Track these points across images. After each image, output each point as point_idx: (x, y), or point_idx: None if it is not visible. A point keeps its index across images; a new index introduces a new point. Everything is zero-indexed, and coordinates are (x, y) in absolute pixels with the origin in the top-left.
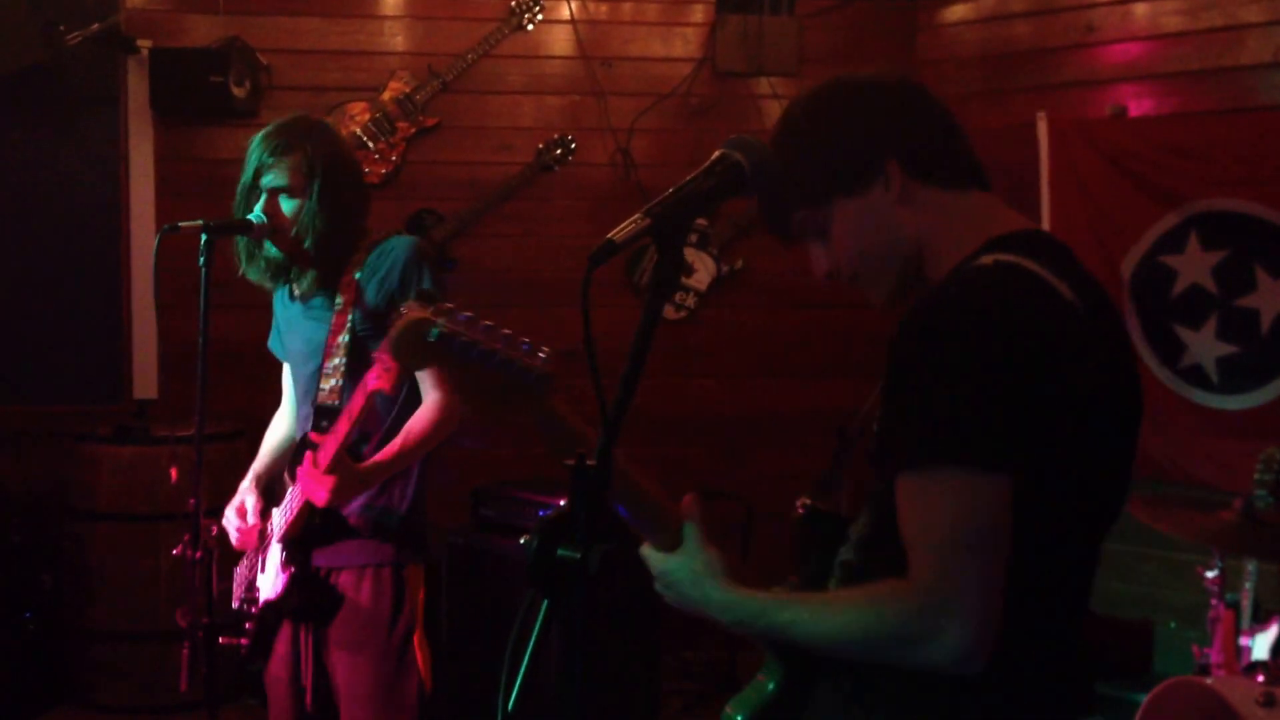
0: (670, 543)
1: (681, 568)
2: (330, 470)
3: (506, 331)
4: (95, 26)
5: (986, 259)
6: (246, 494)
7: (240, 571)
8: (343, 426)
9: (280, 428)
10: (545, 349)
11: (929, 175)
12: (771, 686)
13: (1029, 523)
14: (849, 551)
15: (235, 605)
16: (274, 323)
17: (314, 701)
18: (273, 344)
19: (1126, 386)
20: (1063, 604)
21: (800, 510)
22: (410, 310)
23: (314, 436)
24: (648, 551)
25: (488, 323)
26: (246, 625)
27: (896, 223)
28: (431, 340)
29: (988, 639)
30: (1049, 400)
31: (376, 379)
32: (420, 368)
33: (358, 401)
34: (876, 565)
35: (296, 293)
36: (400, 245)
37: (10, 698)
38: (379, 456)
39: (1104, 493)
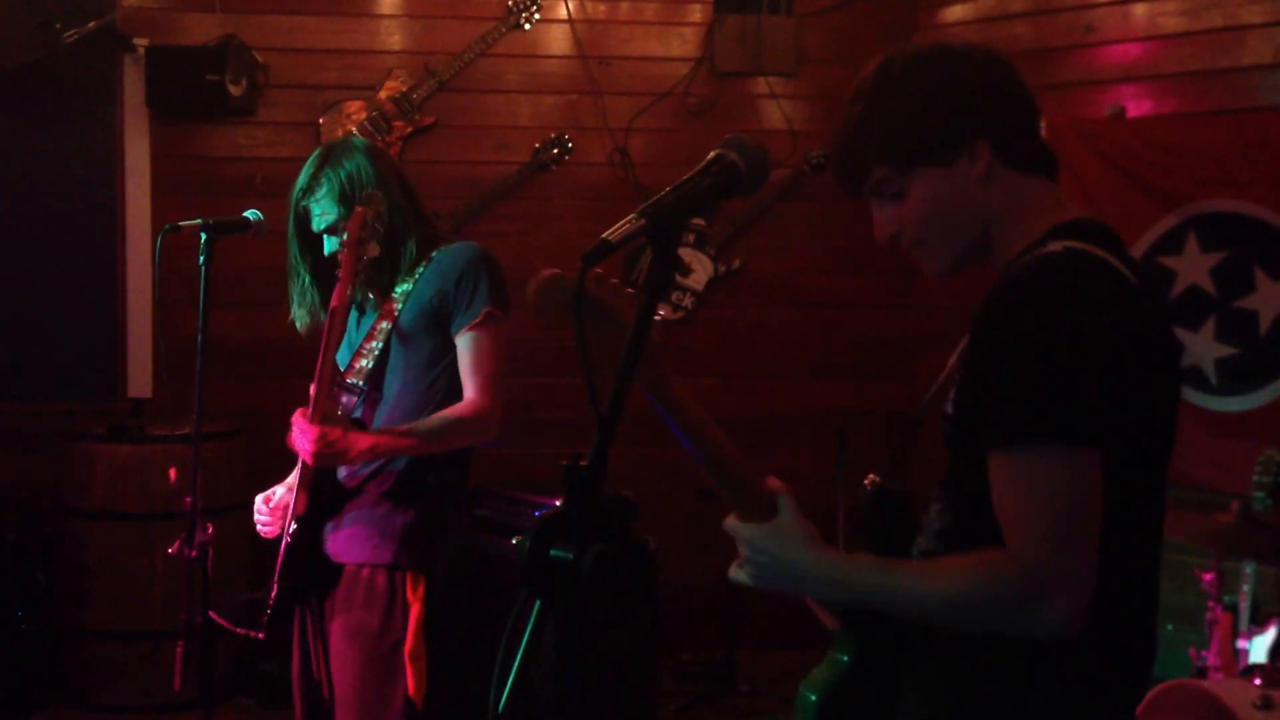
0: (754, 516)
1: (776, 535)
2: (316, 419)
3: (630, 291)
4: (92, 25)
5: (1056, 245)
6: (278, 486)
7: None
8: (320, 364)
9: None
10: (663, 311)
11: (1010, 157)
12: (846, 658)
13: (1120, 492)
14: (928, 540)
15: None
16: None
17: (330, 694)
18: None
19: (1175, 359)
20: (1144, 567)
21: (868, 487)
22: (550, 270)
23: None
24: (737, 525)
25: (614, 281)
26: (263, 618)
27: (975, 199)
28: (566, 296)
29: (1085, 607)
30: (1133, 377)
31: (335, 296)
32: (557, 324)
33: (327, 324)
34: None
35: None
36: (466, 248)
37: (4, 697)
38: (391, 431)
39: (1165, 458)
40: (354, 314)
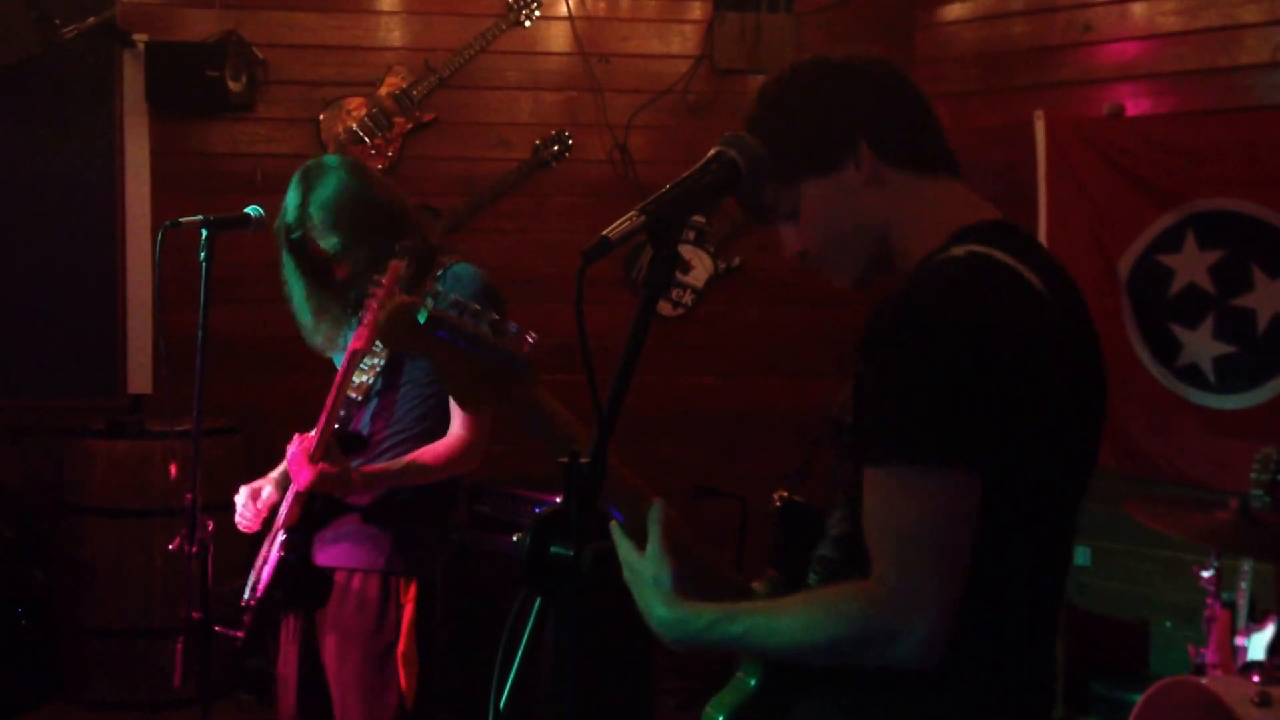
0: (636, 530)
1: (637, 573)
2: (318, 459)
3: (495, 316)
4: (91, 20)
5: (958, 250)
6: (266, 482)
7: (255, 567)
8: (332, 393)
9: None
10: (533, 335)
11: (900, 159)
12: (753, 683)
13: (1001, 515)
14: (827, 547)
15: (244, 601)
16: None
17: (322, 698)
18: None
19: (1093, 372)
20: (1033, 596)
21: (778, 503)
22: (401, 297)
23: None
24: (619, 536)
25: (475, 307)
26: (244, 619)
27: (865, 204)
28: (419, 323)
29: (945, 634)
30: (1020, 394)
31: (356, 339)
32: (408, 350)
33: (343, 366)
34: (857, 561)
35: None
36: (473, 277)
37: (2, 693)
38: (381, 466)
39: (1071, 480)
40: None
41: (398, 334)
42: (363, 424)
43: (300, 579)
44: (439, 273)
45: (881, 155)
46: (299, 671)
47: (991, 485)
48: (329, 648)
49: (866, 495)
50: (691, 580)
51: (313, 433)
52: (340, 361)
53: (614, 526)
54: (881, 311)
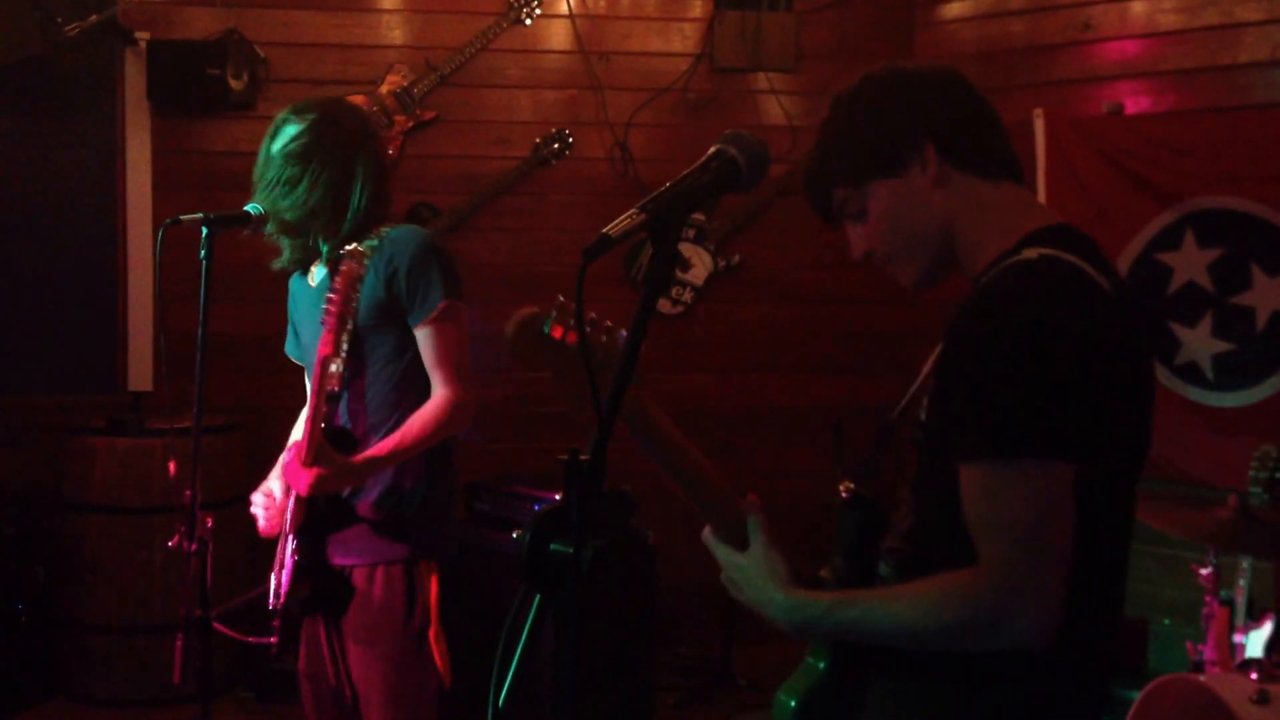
0: (730, 534)
1: (747, 568)
2: (312, 461)
3: (609, 324)
4: (93, 18)
5: (1030, 253)
6: (274, 480)
7: (274, 571)
8: (312, 400)
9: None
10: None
11: (965, 162)
12: (823, 666)
13: (1089, 508)
14: (896, 540)
15: (271, 605)
16: (289, 326)
17: (337, 679)
18: (289, 348)
19: (1149, 363)
20: (1114, 586)
21: (844, 495)
22: (528, 307)
23: (306, 422)
24: (715, 543)
25: (593, 315)
26: (274, 624)
27: (931, 206)
28: (543, 335)
29: (1052, 620)
30: (1102, 389)
31: (323, 345)
32: (537, 364)
33: (315, 374)
34: (931, 554)
35: (311, 284)
36: (410, 237)
37: (3, 690)
38: (373, 450)
39: (1138, 464)
40: (297, 284)
41: (523, 345)
42: (342, 415)
43: (318, 581)
44: (375, 241)
45: (947, 158)
46: (321, 670)
47: (1085, 477)
48: (354, 654)
49: (969, 489)
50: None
51: (301, 438)
52: (310, 364)
53: (706, 534)
54: (969, 312)
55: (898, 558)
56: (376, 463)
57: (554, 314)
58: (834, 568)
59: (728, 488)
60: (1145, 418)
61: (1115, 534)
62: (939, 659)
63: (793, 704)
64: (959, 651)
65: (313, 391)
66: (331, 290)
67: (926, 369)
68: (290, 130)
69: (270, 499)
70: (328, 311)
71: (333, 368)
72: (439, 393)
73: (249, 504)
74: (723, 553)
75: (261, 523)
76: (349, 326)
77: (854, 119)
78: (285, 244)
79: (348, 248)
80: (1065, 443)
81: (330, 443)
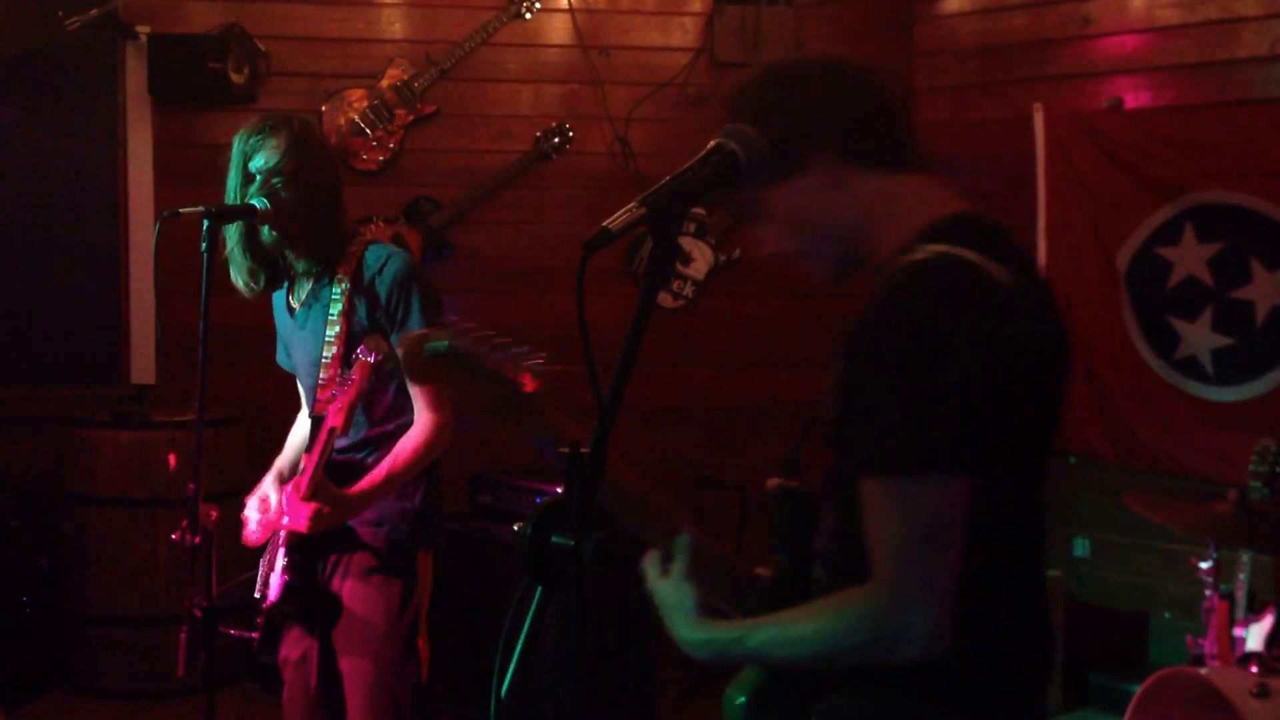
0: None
1: (663, 599)
2: (310, 496)
3: (505, 340)
4: (94, 12)
5: (925, 251)
6: (269, 488)
7: (263, 565)
8: (315, 453)
9: (302, 426)
10: (543, 356)
11: (863, 159)
12: None
13: (986, 505)
14: (824, 539)
15: (256, 594)
16: (279, 337)
17: (323, 685)
18: (280, 359)
19: (1060, 354)
20: (1023, 575)
21: (773, 489)
22: (421, 330)
23: (304, 459)
24: (651, 567)
25: (489, 333)
26: (258, 620)
27: (832, 206)
28: (435, 355)
29: (945, 627)
30: (996, 396)
31: (333, 414)
32: (429, 382)
33: (321, 437)
34: (852, 553)
35: (294, 304)
36: (392, 265)
37: (7, 682)
38: (365, 482)
39: (1042, 462)
40: (280, 302)
41: (416, 366)
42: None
43: (306, 600)
44: (351, 261)
45: (844, 157)
46: (301, 657)
47: (985, 481)
48: (345, 646)
49: (864, 500)
50: (720, 588)
51: (300, 473)
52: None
53: (646, 559)
54: (858, 320)
55: (827, 560)
56: (373, 493)
57: (444, 336)
58: (771, 564)
59: (664, 505)
60: (1048, 411)
61: (1017, 540)
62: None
63: (740, 700)
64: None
65: (316, 451)
66: (348, 379)
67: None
68: (279, 134)
69: (265, 504)
70: (344, 389)
71: (326, 396)
72: (421, 417)
73: (245, 501)
74: (652, 576)
75: (252, 530)
76: (359, 408)
77: (745, 122)
78: (242, 268)
79: (339, 280)
80: (956, 458)
81: (331, 478)
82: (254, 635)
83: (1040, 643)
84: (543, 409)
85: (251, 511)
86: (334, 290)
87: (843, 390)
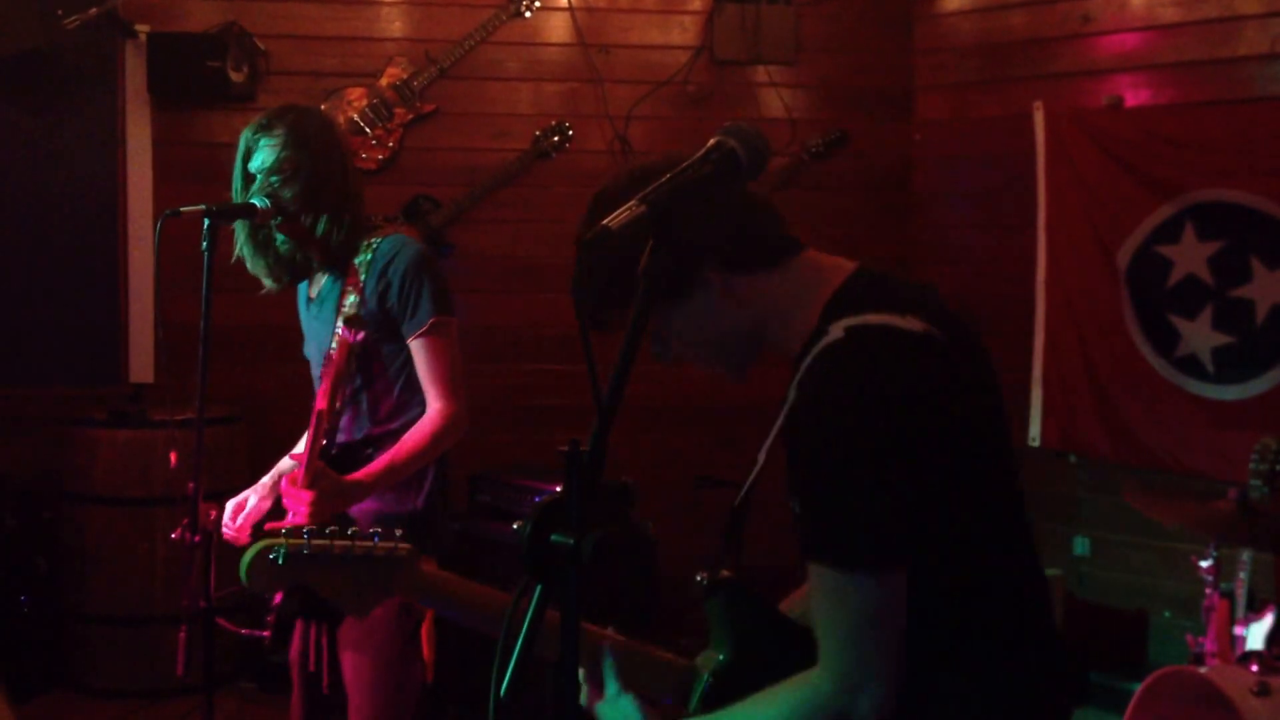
0: (590, 670)
1: (608, 717)
2: (309, 485)
3: (352, 529)
4: (93, 11)
5: (837, 330)
6: (252, 492)
7: None
8: (309, 440)
9: None
10: (399, 530)
11: (748, 267)
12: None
13: (952, 560)
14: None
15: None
16: (303, 329)
17: (330, 685)
18: (305, 350)
19: (992, 387)
20: (1014, 607)
21: (701, 582)
22: (255, 543)
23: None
24: (582, 685)
25: (332, 527)
26: (268, 619)
27: (727, 316)
28: (282, 562)
29: (889, 699)
30: (940, 455)
31: (319, 399)
32: (280, 589)
33: (312, 423)
34: None
35: (311, 296)
36: (403, 255)
37: (6, 680)
38: (367, 470)
39: (1007, 495)
40: (303, 293)
41: (266, 579)
42: (349, 426)
43: (308, 595)
44: (368, 255)
45: (730, 270)
46: (306, 658)
47: (936, 543)
48: (346, 644)
49: (811, 584)
50: (658, 686)
51: (299, 458)
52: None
53: (582, 681)
54: (795, 415)
55: None
56: (373, 482)
57: (282, 542)
58: (706, 659)
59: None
60: (996, 438)
61: (996, 566)
62: None
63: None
64: None
65: (308, 441)
66: (331, 349)
67: (761, 457)
68: (275, 130)
69: (239, 507)
70: (325, 370)
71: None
72: (432, 406)
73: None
74: (587, 696)
75: (227, 533)
76: (344, 389)
77: (629, 250)
78: (258, 267)
79: (357, 261)
80: (896, 550)
81: (332, 465)
82: (265, 634)
83: (1054, 677)
84: (419, 566)
85: (228, 511)
86: (349, 280)
87: (790, 476)
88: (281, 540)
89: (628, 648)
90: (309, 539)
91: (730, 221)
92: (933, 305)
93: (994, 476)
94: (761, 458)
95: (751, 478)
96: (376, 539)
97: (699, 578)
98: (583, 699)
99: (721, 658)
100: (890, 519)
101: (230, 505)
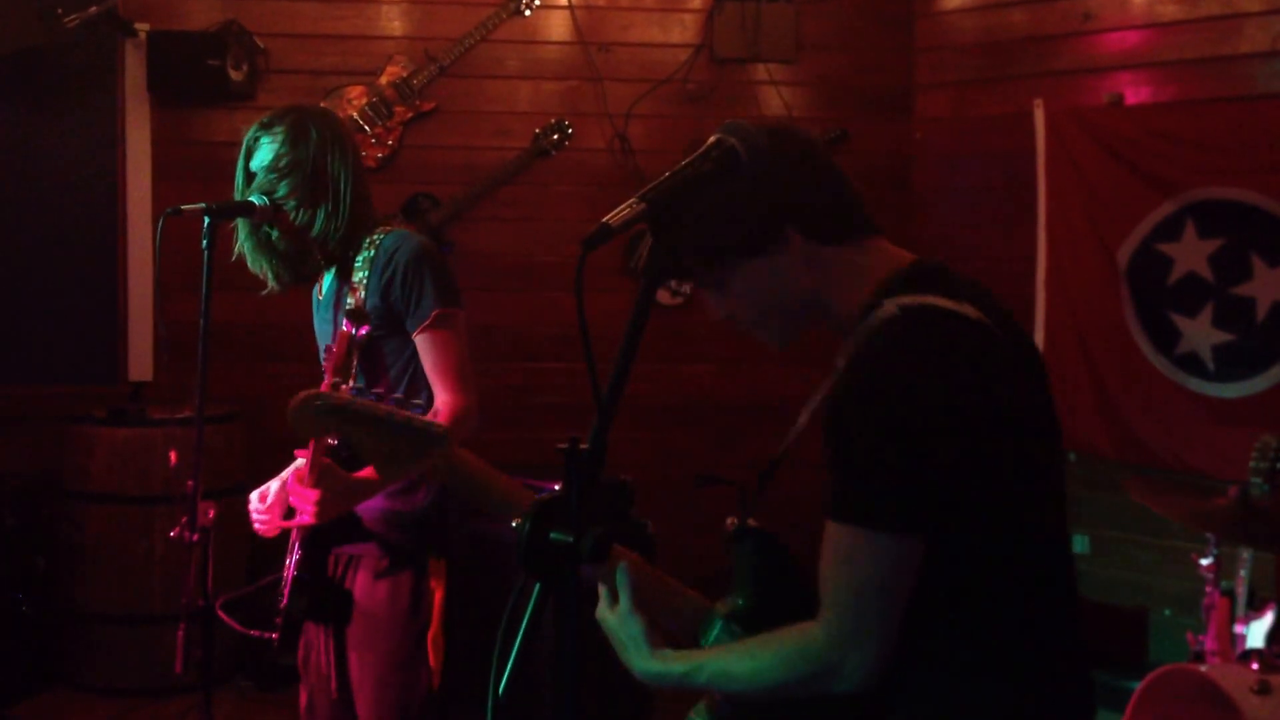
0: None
1: (613, 630)
2: (315, 483)
3: (397, 395)
4: (93, 9)
5: (890, 306)
6: (275, 481)
7: (286, 567)
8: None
9: None
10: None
11: (824, 236)
12: None
13: (956, 563)
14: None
15: (280, 599)
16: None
17: (341, 685)
18: (321, 353)
19: (1042, 385)
20: (1045, 604)
21: (729, 528)
22: (306, 391)
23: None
24: (602, 601)
25: (377, 390)
26: (277, 620)
27: (797, 283)
28: (323, 412)
29: (882, 666)
30: (974, 449)
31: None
32: (321, 435)
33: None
34: None
35: (319, 294)
36: (405, 249)
37: (4, 679)
38: (370, 469)
39: (1049, 485)
40: (315, 289)
41: (306, 422)
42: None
43: (316, 595)
44: (370, 252)
45: (809, 236)
46: (317, 660)
47: (960, 528)
48: (352, 647)
49: (825, 542)
50: (667, 613)
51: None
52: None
53: (601, 592)
54: (842, 382)
55: None
56: (376, 483)
57: (327, 395)
58: (727, 603)
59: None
60: (1042, 429)
61: (1035, 559)
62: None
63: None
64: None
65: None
66: (332, 341)
67: (803, 419)
68: (275, 128)
69: (262, 499)
70: (326, 365)
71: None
72: (440, 399)
73: (248, 497)
74: (602, 610)
75: (257, 525)
76: (345, 384)
77: (714, 201)
78: (260, 266)
79: (360, 260)
80: (919, 521)
81: (340, 463)
82: (274, 636)
83: (1075, 679)
84: (452, 447)
85: (253, 503)
86: (351, 278)
87: (826, 439)
88: (326, 394)
89: (652, 574)
90: (356, 397)
91: (823, 190)
92: (987, 300)
93: (1036, 471)
94: (804, 419)
95: (791, 435)
96: (418, 409)
97: (728, 523)
98: (599, 608)
99: (741, 603)
100: (919, 487)
101: (254, 495)
